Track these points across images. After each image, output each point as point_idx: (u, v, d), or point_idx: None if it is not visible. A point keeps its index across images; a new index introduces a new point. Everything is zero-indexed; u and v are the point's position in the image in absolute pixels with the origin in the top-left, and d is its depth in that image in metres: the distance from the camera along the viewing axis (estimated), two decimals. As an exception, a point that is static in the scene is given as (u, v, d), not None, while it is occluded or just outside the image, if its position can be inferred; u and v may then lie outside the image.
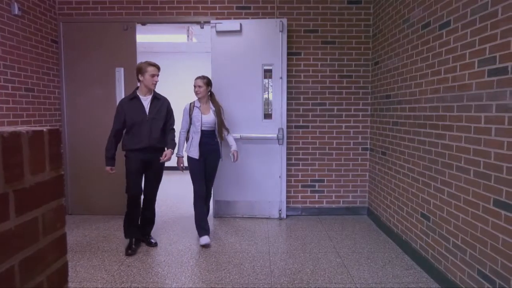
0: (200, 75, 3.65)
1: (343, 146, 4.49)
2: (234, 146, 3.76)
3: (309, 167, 4.51)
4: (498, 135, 2.09)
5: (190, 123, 3.63)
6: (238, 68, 4.28)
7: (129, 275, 2.91)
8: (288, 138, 4.42)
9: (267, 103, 4.38)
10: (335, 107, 4.43)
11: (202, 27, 4.53)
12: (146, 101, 3.31)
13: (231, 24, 4.21)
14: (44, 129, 0.73)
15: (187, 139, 3.70)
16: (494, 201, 2.13)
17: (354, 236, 3.81)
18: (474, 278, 2.33)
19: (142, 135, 3.26)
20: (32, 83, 3.93)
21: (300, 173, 4.51)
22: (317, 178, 4.53)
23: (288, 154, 4.44)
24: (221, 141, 3.74)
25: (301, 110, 4.45)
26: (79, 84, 4.43)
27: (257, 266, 3.05)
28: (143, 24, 4.46)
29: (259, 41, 4.23)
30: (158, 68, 3.31)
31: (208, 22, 4.34)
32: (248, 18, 4.34)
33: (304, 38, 4.39)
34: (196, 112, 3.59)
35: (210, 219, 4.32)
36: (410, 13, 3.27)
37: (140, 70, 3.27)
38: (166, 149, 3.44)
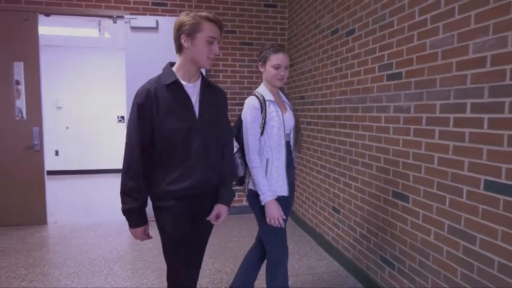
0: (274, 44, 2.07)
1: (262, 146, 4.60)
2: None
3: (229, 167, 4.53)
4: (395, 133, 2.33)
5: (262, 132, 1.98)
6: (155, 66, 4.07)
7: (32, 291, 2.64)
8: (207, 138, 4.39)
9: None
10: (254, 107, 4.52)
11: (115, 22, 4.29)
12: (193, 89, 1.66)
13: (147, 21, 4.05)
14: None
15: None
16: (392, 192, 2.37)
17: (272, 232, 3.93)
18: (377, 263, 2.56)
19: (193, 159, 1.62)
20: None
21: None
22: (237, 177, 4.57)
23: (208, 154, 4.40)
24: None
25: (220, 110, 4.45)
26: (-32, 79, 3.88)
27: (176, 269, 2.97)
28: (47, 15, 4.07)
29: (176, 39, 4.13)
30: (220, 27, 1.64)
31: (122, 17, 4.12)
32: (164, 15, 4.22)
33: (222, 38, 4.40)
34: (273, 109, 1.99)
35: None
36: (320, 19, 3.48)
37: (183, 27, 1.56)
38: (218, 199, 1.79)
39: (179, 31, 1.57)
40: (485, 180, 1.66)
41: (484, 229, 1.67)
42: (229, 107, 4.69)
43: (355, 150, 2.85)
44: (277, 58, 1.97)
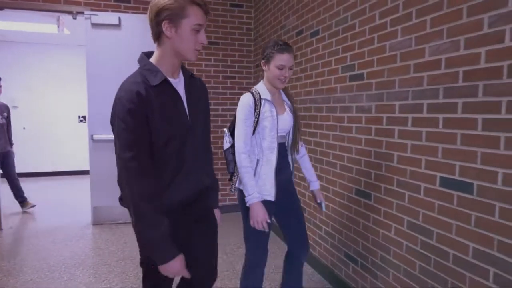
0: (279, 41, 1.91)
1: (229, 145, 4.59)
2: (315, 180, 2.20)
3: (196, 167, 4.49)
4: (358, 133, 2.39)
5: (254, 131, 1.94)
6: (118, 64, 4.00)
7: (-15, 301, 2.49)
8: (173, 138, 4.32)
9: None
10: (220, 107, 4.51)
11: (74, 18, 4.13)
12: (178, 86, 1.44)
13: (109, 17, 3.93)
14: None
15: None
16: (355, 190, 2.43)
17: (240, 232, 3.92)
18: (341, 260, 2.62)
19: (188, 164, 1.44)
20: None
21: (186, 174, 4.46)
22: (203, 177, 4.53)
23: (173, 154, 4.34)
24: (293, 158, 2.14)
25: (186, 110, 4.40)
26: None
27: (141, 273, 2.90)
28: (0, 8, 3.85)
29: (140, 37, 4.02)
30: (207, 12, 1.38)
31: (82, 13, 3.97)
32: (127, 12, 4.11)
33: (188, 37, 4.35)
34: (268, 109, 1.92)
35: (89, 227, 3.97)
36: (286, 20, 3.52)
37: (164, 11, 1.29)
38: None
39: (159, 16, 1.30)
40: (441, 177, 1.74)
41: (440, 224, 1.75)
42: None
43: (319, 149, 2.90)
44: (281, 59, 1.87)
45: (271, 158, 1.93)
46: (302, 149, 2.16)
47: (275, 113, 1.93)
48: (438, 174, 1.75)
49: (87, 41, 3.93)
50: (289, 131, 2.06)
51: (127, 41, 4.00)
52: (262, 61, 1.96)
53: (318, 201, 2.16)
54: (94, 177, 4.01)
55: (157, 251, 1.30)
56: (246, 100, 1.91)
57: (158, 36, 1.36)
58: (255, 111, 1.90)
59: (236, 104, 1.91)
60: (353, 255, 2.48)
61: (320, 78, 2.87)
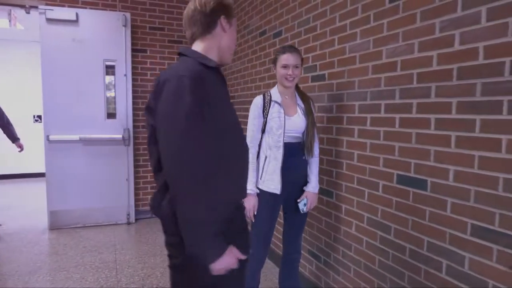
0: (286, 45, 1.98)
1: (193, 145, 4.54)
2: (312, 182, 2.16)
3: (159, 168, 4.41)
4: (320, 132, 2.44)
5: (263, 130, 2.11)
6: (75, 62, 3.85)
7: None
8: (135, 138, 4.22)
9: (110, 101, 4.07)
10: (184, 107, 4.44)
11: (28, 12, 3.92)
12: None
13: (66, 13, 3.77)
14: None
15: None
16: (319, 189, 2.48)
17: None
18: (305, 257, 2.67)
19: (243, 162, 1.35)
20: None
21: (149, 175, 4.36)
22: (167, 178, 4.46)
23: (135, 155, 4.24)
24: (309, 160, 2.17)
25: (148, 110, 4.30)
26: None
27: (101, 278, 2.82)
28: None
29: (99, 35, 3.90)
30: None
31: (36, 7, 3.78)
32: (85, 8, 3.96)
33: (149, 35, 4.26)
34: (276, 110, 2.06)
35: (45, 232, 3.79)
36: (249, 20, 3.52)
37: (223, 7, 1.30)
38: None
39: (218, 10, 1.27)
40: (397, 174, 1.81)
41: (397, 220, 1.82)
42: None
43: (283, 148, 2.93)
44: (283, 58, 2.03)
45: (278, 156, 2.05)
46: (315, 151, 2.15)
47: (283, 115, 2.05)
48: (395, 172, 1.82)
49: (42, 38, 3.74)
50: (304, 133, 2.12)
51: (86, 37, 3.86)
52: (272, 66, 2.16)
53: (298, 200, 2.12)
54: (50, 180, 3.84)
55: (215, 247, 1.15)
56: (255, 101, 2.12)
57: (208, 29, 1.29)
58: (263, 112, 2.07)
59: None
60: (316, 252, 2.53)
61: (283, 78, 2.90)
